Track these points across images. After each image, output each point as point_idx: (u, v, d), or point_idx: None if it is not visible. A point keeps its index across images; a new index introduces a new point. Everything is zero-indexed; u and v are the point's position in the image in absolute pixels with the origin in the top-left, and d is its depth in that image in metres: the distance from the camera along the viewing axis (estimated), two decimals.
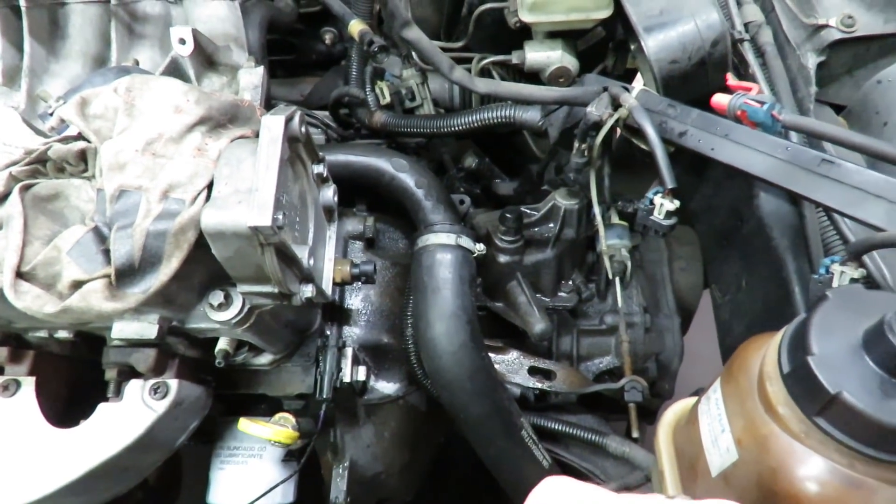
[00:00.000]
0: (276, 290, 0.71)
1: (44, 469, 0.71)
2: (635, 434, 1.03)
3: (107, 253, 0.66)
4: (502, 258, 1.10)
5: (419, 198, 1.03)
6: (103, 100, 0.72)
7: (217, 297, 0.72)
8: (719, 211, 1.14)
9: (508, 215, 1.06)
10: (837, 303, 0.54)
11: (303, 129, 0.73)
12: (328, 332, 0.97)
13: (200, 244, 0.66)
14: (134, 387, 0.75)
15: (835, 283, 0.70)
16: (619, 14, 0.97)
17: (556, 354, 1.17)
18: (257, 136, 0.68)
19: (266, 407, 0.98)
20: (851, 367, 0.49)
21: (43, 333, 0.75)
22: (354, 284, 1.01)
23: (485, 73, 1.19)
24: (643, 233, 0.96)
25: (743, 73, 0.98)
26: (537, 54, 1.10)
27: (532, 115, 1.04)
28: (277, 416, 0.85)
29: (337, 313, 1.00)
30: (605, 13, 1.00)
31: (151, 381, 0.75)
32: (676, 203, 0.83)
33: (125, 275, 0.65)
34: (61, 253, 0.66)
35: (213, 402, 0.88)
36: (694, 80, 0.91)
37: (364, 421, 1.03)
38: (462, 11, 1.18)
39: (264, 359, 0.90)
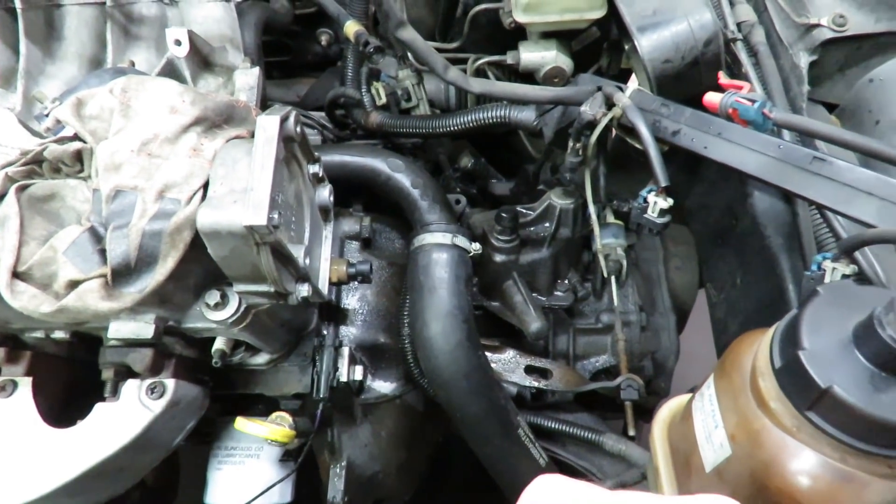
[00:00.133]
0: (272, 290, 0.71)
1: (40, 469, 0.72)
2: (632, 432, 1.04)
3: (103, 253, 0.66)
4: (498, 257, 1.10)
5: (415, 198, 1.04)
6: (99, 100, 0.72)
7: (213, 296, 0.72)
8: (713, 210, 1.14)
9: (504, 215, 1.06)
10: (828, 298, 0.54)
11: (298, 129, 0.73)
12: (325, 332, 0.97)
13: (196, 244, 0.66)
14: (131, 387, 0.75)
15: (826, 280, 0.71)
16: (613, 14, 0.98)
17: (553, 353, 1.17)
18: (253, 136, 0.69)
19: (263, 407, 0.98)
20: (842, 361, 0.50)
21: (39, 334, 0.75)
22: (351, 284, 1.01)
23: (480, 73, 1.19)
24: (638, 231, 0.96)
25: (736, 72, 0.99)
26: (532, 54, 1.10)
27: (527, 115, 1.05)
28: (274, 415, 0.85)
29: (333, 313, 1.01)
30: (598, 13, 1.01)
31: (148, 381, 0.75)
32: (670, 201, 0.84)
33: (121, 274, 0.66)
34: (57, 253, 0.66)
35: (210, 403, 0.88)
36: (687, 80, 0.92)
37: (361, 420, 1.03)
38: (457, 12, 1.19)
39: (261, 358, 0.90)
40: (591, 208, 1.03)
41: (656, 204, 0.84)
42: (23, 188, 0.68)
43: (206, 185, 0.67)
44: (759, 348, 0.57)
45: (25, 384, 0.76)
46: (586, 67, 1.15)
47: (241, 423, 0.82)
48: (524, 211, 1.10)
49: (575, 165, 0.98)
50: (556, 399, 1.15)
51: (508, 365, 1.11)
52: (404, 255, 1.08)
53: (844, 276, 0.70)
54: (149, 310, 0.70)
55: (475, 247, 1.03)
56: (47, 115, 0.79)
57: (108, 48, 1.00)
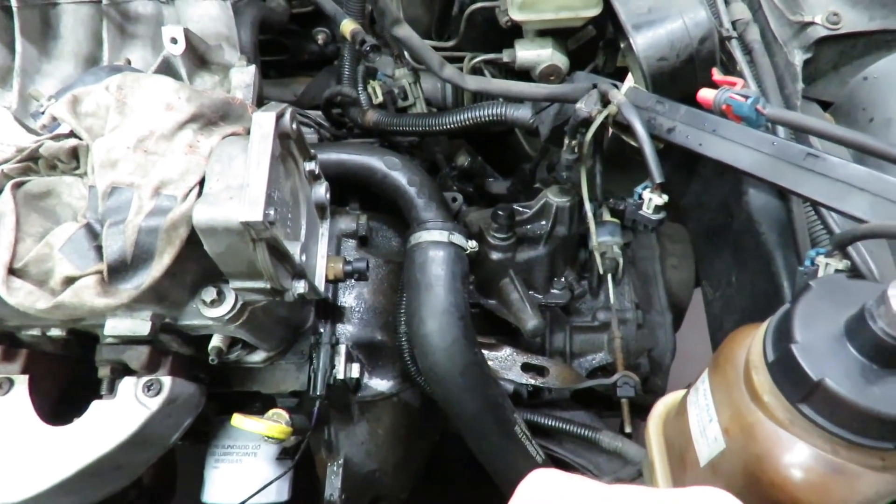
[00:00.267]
0: (268, 286, 0.71)
1: (37, 467, 0.72)
2: (628, 429, 1.04)
3: (99, 249, 0.66)
4: (495, 255, 1.10)
5: (411, 195, 1.04)
6: (95, 98, 0.72)
7: (210, 293, 0.72)
8: (709, 207, 1.14)
9: (500, 212, 1.07)
10: (820, 292, 0.54)
11: (294, 126, 0.73)
12: (322, 330, 0.98)
13: (192, 240, 0.66)
14: (127, 384, 0.75)
15: (820, 274, 0.71)
16: (609, 12, 0.98)
17: (549, 351, 1.18)
18: (249, 133, 0.69)
19: (260, 405, 0.98)
20: (834, 354, 0.50)
21: (36, 331, 0.75)
22: (348, 282, 1.02)
23: (476, 71, 1.20)
24: (633, 228, 0.97)
25: (731, 70, 0.99)
26: (528, 52, 1.10)
27: (523, 113, 1.05)
28: (271, 412, 0.85)
29: (330, 311, 1.01)
30: (594, 11, 1.01)
31: (145, 379, 0.75)
32: (665, 197, 0.84)
33: (117, 271, 0.66)
34: (53, 249, 0.66)
35: (206, 401, 0.88)
36: (682, 78, 0.92)
37: (358, 418, 1.03)
38: (453, 10, 1.19)
39: (258, 356, 0.90)
40: (588, 206, 1.03)
41: (651, 200, 0.84)
42: (19, 185, 0.68)
43: (202, 182, 0.68)
44: (753, 342, 0.57)
45: (22, 382, 0.76)
46: (582, 66, 1.15)
47: (238, 420, 0.82)
48: (521, 209, 1.10)
49: (571, 163, 0.99)
50: (553, 396, 1.16)
51: (505, 362, 1.11)
52: (401, 253, 1.08)
53: (837, 272, 0.70)
54: (145, 307, 0.70)
55: (472, 244, 1.03)
56: (43, 113, 0.79)
57: (105, 46, 1.00)
